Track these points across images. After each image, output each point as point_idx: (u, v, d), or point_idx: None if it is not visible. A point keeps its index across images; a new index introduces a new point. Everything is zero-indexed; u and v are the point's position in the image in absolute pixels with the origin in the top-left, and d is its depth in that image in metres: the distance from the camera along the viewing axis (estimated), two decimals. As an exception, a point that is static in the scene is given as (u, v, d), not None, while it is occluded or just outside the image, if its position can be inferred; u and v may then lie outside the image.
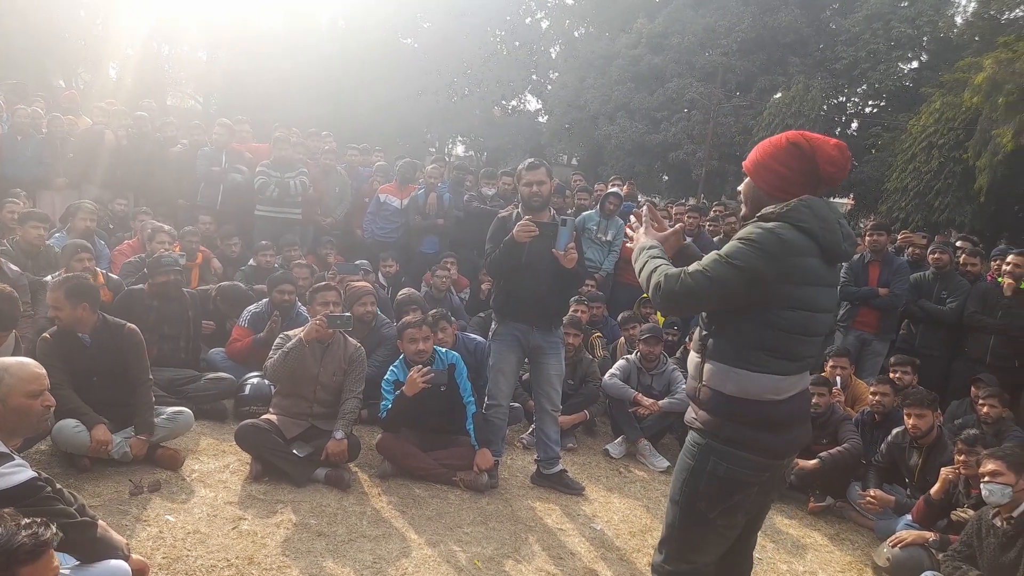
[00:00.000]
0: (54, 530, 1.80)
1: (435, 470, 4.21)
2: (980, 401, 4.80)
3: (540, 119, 30.57)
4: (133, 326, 3.94)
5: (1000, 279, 5.97)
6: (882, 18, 19.57)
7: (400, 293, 5.97)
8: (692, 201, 16.33)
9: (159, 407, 4.08)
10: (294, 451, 3.97)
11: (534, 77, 28.93)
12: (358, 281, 5.75)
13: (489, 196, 7.99)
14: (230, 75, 23.56)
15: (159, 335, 4.77)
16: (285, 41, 23.34)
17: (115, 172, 7.63)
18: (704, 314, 2.23)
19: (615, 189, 7.93)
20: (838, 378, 5.32)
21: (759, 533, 2.52)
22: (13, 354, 3.06)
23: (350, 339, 4.32)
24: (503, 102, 27.64)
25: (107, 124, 8.05)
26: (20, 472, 2.21)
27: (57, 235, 5.97)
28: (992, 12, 16.60)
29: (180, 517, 3.38)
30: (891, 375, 5.24)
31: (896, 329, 6.45)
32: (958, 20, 19.61)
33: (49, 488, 2.31)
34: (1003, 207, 14.66)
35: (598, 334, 6.37)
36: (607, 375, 5.42)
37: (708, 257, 2.09)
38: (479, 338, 5.26)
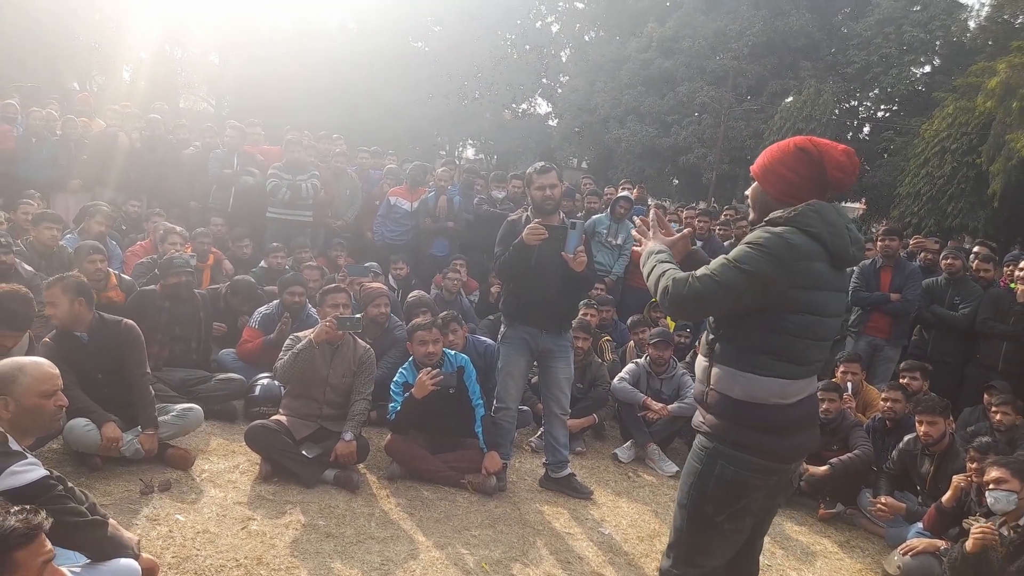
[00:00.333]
0: (44, 515, 1.82)
1: (443, 472, 4.21)
2: (993, 408, 4.76)
3: (550, 122, 30.58)
4: (131, 322, 3.96)
5: (1013, 285, 5.92)
6: (894, 22, 19.48)
7: (410, 295, 5.99)
8: (702, 205, 16.28)
9: (168, 405, 4.11)
10: (303, 452, 3.98)
11: (544, 80, 28.94)
12: (372, 283, 5.77)
13: (499, 199, 8.00)
14: (242, 78, 23.71)
15: (171, 336, 4.80)
16: (296, 44, 23.46)
17: (128, 174, 7.70)
18: (712, 318, 2.23)
19: (625, 193, 7.92)
20: (849, 384, 5.28)
21: (768, 539, 2.51)
22: (27, 354, 3.09)
23: (359, 341, 4.34)
24: (513, 105, 27.71)
25: (121, 127, 8.13)
26: (32, 471, 2.22)
27: (69, 236, 6.02)
28: (1006, 16, 16.49)
29: (190, 517, 3.40)
30: (901, 380, 5.21)
31: (908, 335, 6.41)
32: (971, 24, 19.48)
33: (61, 487, 2.32)
34: (1016, 212, 14.53)
35: (607, 338, 6.36)
36: (616, 379, 5.41)
37: (716, 261, 2.10)
38: (489, 341, 5.27)
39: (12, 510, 1.77)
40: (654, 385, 5.41)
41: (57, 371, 2.44)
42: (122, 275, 5.41)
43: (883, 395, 4.96)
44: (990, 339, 5.83)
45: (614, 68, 23.98)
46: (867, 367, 5.94)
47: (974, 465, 3.84)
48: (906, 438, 4.53)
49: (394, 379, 4.35)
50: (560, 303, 4.14)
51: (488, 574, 3.34)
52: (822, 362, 2.22)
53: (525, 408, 5.06)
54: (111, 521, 2.53)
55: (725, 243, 7.45)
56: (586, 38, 29.70)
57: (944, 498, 3.96)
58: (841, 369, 5.38)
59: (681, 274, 2.12)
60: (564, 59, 30.34)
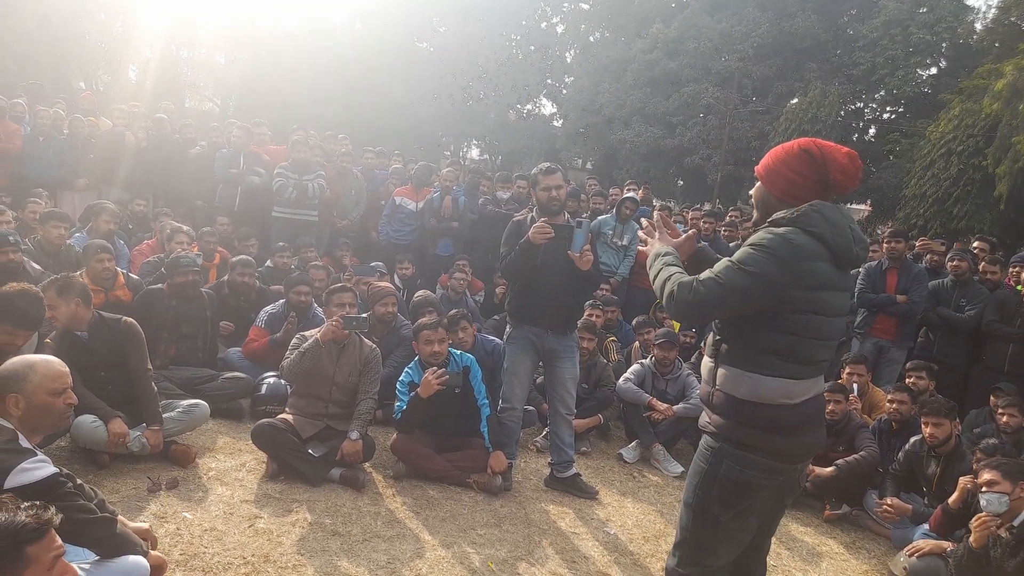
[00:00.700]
0: (54, 511, 1.83)
1: (449, 472, 4.22)
2: (1000, 411, 4.75)
3: (555, 123, 30.59)
4: (131, 319, 3.98)
5: (1020, 287, 5.91)
6: (900, 24, 19.44)
7: (416, 295, 6.00)
8: (707, 206, 16.27)
9: (175, 401, 4.13)
10: (310, 451, 3.99)
11: (549, 81, 28.97)
12: (380, 282, 5.78)
13: (504, 199, 8.01)
14: (247, 78, 23.79)
15: (177, 335, 4.82)
16: (302, 44, 23.53)
17: (135, 173, 7.73)
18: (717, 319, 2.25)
19: (631, 194, 7.92)
20: (855, 385, 5.28)
21: (774, 539, 2.51)
22: (36, 353, 3.10)
23: (365, 340, 4.35)
24: (518, 106, 27.74)
25: (128, 126, 8.16)
26: (43, 468, 2.24)
27: (77, 235, 6.05)
28: (1013, 18, 16.46)
29: (197, 514, 3.41)
30: (907, 380, 5.20)
31: (914, 337, 6.40)
32: (978, 26, 19.43)
33: (70, 484, 2.34)
34: (1023, 214, 14.49)
35: (612, 338, 6.36)
36: (621, 379, 5.41)
37: (720, 264, 2.11)
38: (497, 340, 5.27)
39: (23, 506, 1.78)
40: (659, 386, 5.41)
41: (67, 369, 2.46)
42: (129, 274, 5.43)
43: (889, 397, 4.96)
44: (996, 341, 5.81)
45: (619, 69, 23.98)
46: (873, 369, 5.93)
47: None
48: (912, 440, 4.52)
49: (400, 378, 4.35)
50: (566, 303, 4.15)
51: (494, 573, 3.34)
52: (828, 362, 2.22)
53: (530, 408, 5.06)
54: (120, 518, 2.55)
55: (731, 244, 7.44)
56: (591, 39, 29.70)
57: (950, 500, 3.95)
58: (847, 371, 5.38)
59: (686, 278, 2.13)
60: (569, 60, 30.35)
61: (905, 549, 3.91)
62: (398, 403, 4.25)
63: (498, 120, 28.62)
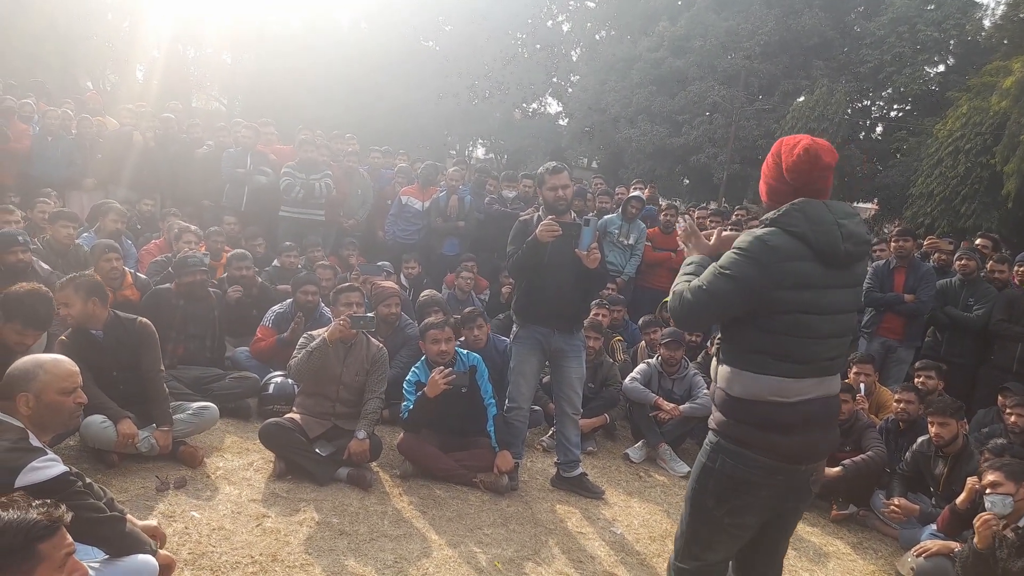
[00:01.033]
0: (64, 509, 1.85)
1: (455, 471, 4.23)
2: (1008, 410, 4.73)
3: (561, 122, 30.55)
4: (146, 320, 4.01)
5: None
6: (908, 21, 19.33)
7: (422, 294, 6.01)
8: (713, 205, 16.24)
9: (184, 403, 4.15)
10: (317, 450, 4.01)
11: (555, 80, 28.89)
12: (384, 282, 5.79)
13: (510, 199, 8.01)
14: (254, 77, 23.84)
15: (185, 334, 4.84)
16: (308, 43, 23.55)
17: (142, 173, 7.76)
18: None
19: (637, 193, 7.92)
20: (862, 385, 5.26)
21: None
22: (45, 352, 3.12)
23: (372, 340, 4.36)
24: (524, 105, 27.69)
25: (135, 126, 8.19)
26: (53, 466, 2.25)
27: (85, 235, 6.07)
28: (1022, 15, 16.33)
29: (205, 513, 3.43)
30: (916, 379, 5.18)
31: (921, 336, 6.37)
32: (986, 23, 19.31)
33: (80, 483, 2.35)
34: (1032, 213, 14.40)
35: (619, 338, 6.35)
36: (628, 379, 5.41)
37: (708, 270, 2.18)
38: (507, 339, 5.27)
39: (35, 504, 1.80)
40: (666, 385, 5.40)
41: (76, 369, 2.47)
42: (137, 274, 5.45)
43: (896, 396, 4.94)
44: (1005, 340, 5.79)
45: (625, 67, 23.92)
46: (880, 368, 5.91)
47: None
48: (920, 439, 4.50)
49: (407, 378, 4.37)
50: (572, 301, 4.15)
51: (501, 573, 3.35)
52: (833, 360, 2.20)
53: (537, 408, 5.06)
54: (129, 517, 2.56)
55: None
56: (597, 37, 29.64)
57: (958, 500, 3.93)
58: (854, 370, 5.36)
59: (679, 287, 2.22)
60: (575, 58, 30.30)
61: (912, 549, 3.90)
62: (405, 402, 4.27)
63: (504, 119, 28.60)
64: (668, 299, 2.26)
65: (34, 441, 2.31)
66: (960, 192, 14.69)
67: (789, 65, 21.60)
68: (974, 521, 3.48)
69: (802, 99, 20.24)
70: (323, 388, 4.16)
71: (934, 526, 4.04)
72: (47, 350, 3.55)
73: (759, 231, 2.13)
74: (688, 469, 4.96)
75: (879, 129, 22.64)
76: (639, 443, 5.30)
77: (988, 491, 3.43)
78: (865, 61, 20.19)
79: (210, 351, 5.00)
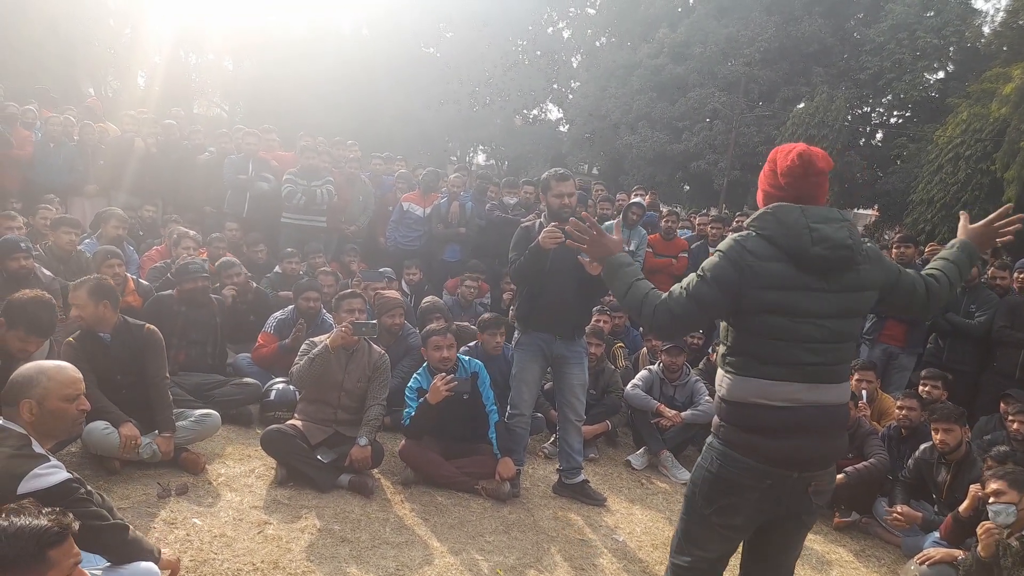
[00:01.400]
0: (72, 516, 1.85)
1: (457, 478, 4.22)
2: (1010, 417, 4.72)
3: (561, 128, 30.65)
4: (153, 327, 4.01)
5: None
6: (907, 28, 19.41)
7: (424, 301, 6.01)
8: (714, 211, 16.25)
9: (186, 410, 4.14)
10: (319, 457, 4.00)
11: (555, 86, 29.02)
12: (387, 291, 5.79)
13: (511, 205, 8.02)
14: (255, 83, 23.92)
15: (187, 340, 4.84)
16: (309, 49, 23.64)
17: (144, 179, 7.77)
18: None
19: (638, 199, 7.93)
20: (864, 392, 5.25)
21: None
22: (48, 359, 3.12)
23: (374, 346, 4.36)
24: (524, 111, 27.78)
25: (137, 132, 8.20)
26: (56, 473, 2.25)
27: (87, 241, 6.08)
28: (1021, 22, 16.39)
29: (207, 520, 3.42)
30: (921, 388, 5.18)
31: (923, 343, 6.37)
32: (986, 30, 19.39)
33: (83, 489, 2.35)
34: (1033, 219, 14.41)
35: (620, 344, 6.36)
36: (629, 385, 5.41)
37: (687, 278, 2.23)
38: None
39: (44, 511, 1.80)
40: (667, 392, 5.40)
41: (80, 375, 2.47)
42: (140, 280, 5.46)
43: (898, 403, 4.94)
44: (1006, 347, 5.78)
45: (625, 74, 24.01)
46: (882, 375, 5.90)
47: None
48: (922, 447, 4.50)
49: (408, 384, 4.36)
50: (574, 308, 4.15)
51: (503, 580, 3.34)
52: (821, 366, 2.14)
53: (538, 415, 5.06)
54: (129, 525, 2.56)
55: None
56: (597, 44, 29.75)
57: (961, 507, 3.92)
58: (856, 377, 5.34)
59: (657, 297, 2.23)
60: (575, 65, 30.42)
61: (915, 557, 3.89)
62: (407, 409, 4.26)
63: (504, 126, 28.71)
64: (645, 310, 2.22)
65: (37, 448, 2.30)
66: (961, 198, 14.73)
67: (789, 72, 21.68)
68: (977, 529, 3.48)
69: (802, 105, 20.31)
70: (325, 395, 4.15)
71: (937, 534, 4.02)
72: (50, 355, 3.55)
73: (735, 234, 2.22)
74: (690, 476, 4.95)
75: (879, 135, 22.71)
76: (641, 450, 5.29)
77: (991, 500, 3.42)
78: (865, 68, 20.26)
79: (212, 357, 5.00)
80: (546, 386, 5.11)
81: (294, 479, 3.95)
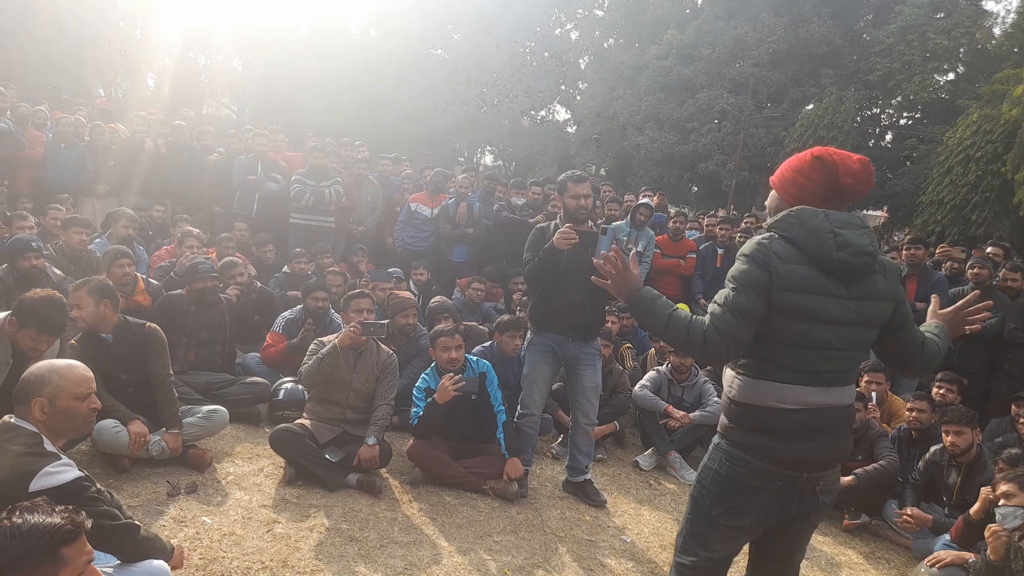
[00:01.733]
0: (85, 515, 1.86)
1: (465, 478, 4.22)
2: (1021, 420, 4.70)
3: (569, 129, 30.64)
4: (154, 325, 4.02)
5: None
6: (917, 29, 19.32)
7: (432, 301, 6.01)
8: (722, 212, 16.23)
9: (194, 407, 4.16)
10: (327, 456, 4.01)
11: (563, 87, 28.99)
12: (402, 292, 5.80)
13: (519, 206, 8.02)
14: (264, 84, 24.01)
15: (196, 340, 4.86)
16: (317, 51, 23.74)
17: (154, 180, 7.81)
18: None
19: (646, 200, 7.91)
20: (874, 394, 5.24)
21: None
22: (58, 357, 3.14)
23: (383, 346, 4.36)
24: (532, 112, 27.75)
25: (147, 133, 8.25)
26: (67, 471, 2.26)
27: (98, 241, 6.11)
28: (1032, 23, 16.31)
29: (216, 519, 3.43)
30: (936, 390, 5.14)
31: (933, 345, 6.32)
32: (996, 31, 19.30)
33: (94, 488, 2.36)
34: (1042, 221, 14.34)
35: (628, 345, 6.35)
36: (637, 386, 5.40)
37: (719, 294, 2.13)
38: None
39: (56, 508, 1.81)
40: (675, 392, 5.39)
41: (91, 374, 2.48)
42: (149, 279, 5.48)
43: (908, 405, 4.91)
44: (1018, 350, 5.75)
45: (633, 75, 23.99)
46: (891, 377, 5.87)
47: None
48: (932, 449, 4.47)
49: (416, 384, 4.37)
50: (588, 310, 4.13)
51: (511, 580, 3.34)
52: (837, 372, 2.16)
53: (546, 415, 5.06)
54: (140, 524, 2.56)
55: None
56: (605, 45, 29.74)
57: (972, 510, 3.90)
58: (865, 379, 5.33)
59: (701, 323, 2.10)
60: (583, 66, 30.40)
61: (926, 560, 3.86)
62: (415, 409, 4.26)
63: (512, 127, 28.70)
64: (694, 341, 2.08)
65: (48, 446, 2.31)
66: (971, 200, 14.66)
67: (798, 73, 21.61)
68: (985, 532, 3.45)
69: (811, 107, 20.24)
70: (333, 394, 4.16)
71: (947, 536, 4.00)
72: (60, 355, 3.57)
73: (758, 236, 2.16)
74: (698, 477, 4.94)
75: (888, 137, 22.61)
76: (649, 451, 5.28)
77: (1001, 503, 3.40)
78: (874, 69, 20.18)
79: (221, 357, 5.02)
80: (554, 387, 5.11)
81: (303, 478, 3.96)
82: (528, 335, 4.36)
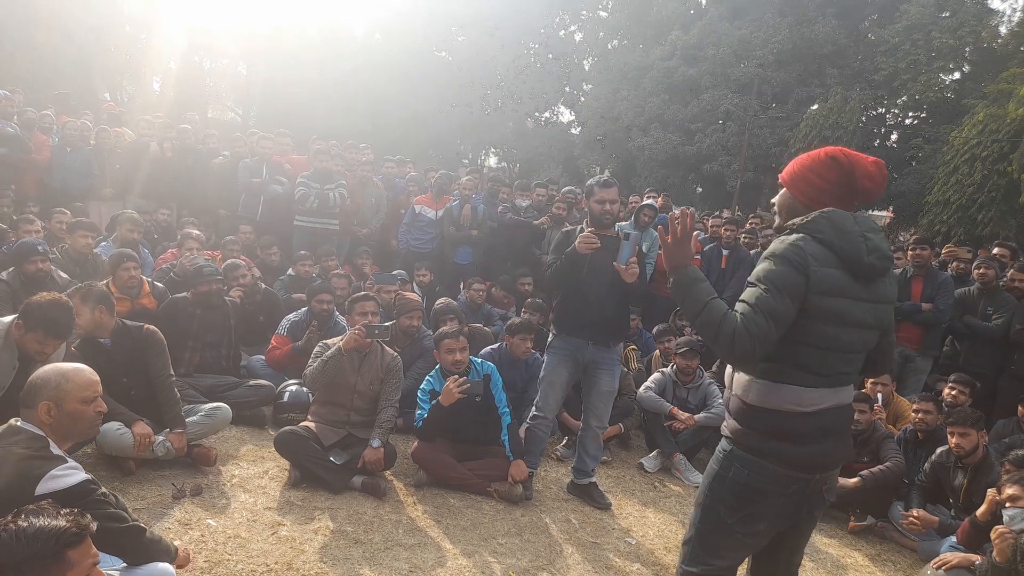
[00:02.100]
0: (90, 518, 1.87)
1: (470, 480, 4.22)
2: (1028, 421, 4.67)
3: (573, 131, 30.65)
4: (152, 327, 4.04)
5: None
6: (922, 28, 19.26)
7: (437, 303, 6.02)
8: (727, 213, 16.20)
9: (196, 405, 4.17)
10: (331, 458, 4.01)
11: (567, 89, 28.98)
12: (409, 293, 5.81)
13: (523, 208, 8.02)
14: (268, 87, 24.08)
15: (202, 342, 4.87)
16: (322, 54, 23.79)
17: (159, 183, 7.84)
18: None
19: (650, 201, 7.91)
20: (879, 395, 5.22)
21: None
22: (62, 361, 3.15)
23: (387, 348, 4.37)
24: (536, 114, 27.77)
25: (152, 136, 8.28)
26: (73, 474, 2.27)
27: (103, 244, 6.14)
28: (1038, 22, 16.24)
29: (221, 521, 3.44)
30: (947, 391, 5.11)
31: (939, 346, 6.31)
32: (1002, 30, 19.22)
33: (100, 491, 2.37)
34: (1050, 221, 14.28)
35: (633, 347, 6.34)
36: (642, 388, 5.39)
37: (748, 293, 2.06)
38: (536, 353, 5.28)
39: (62, 511, 1.82)
40: (680, 394, 5.38)
41: (97, 378, 2.49)
42: (155, 282, 5.50)
43: (914, 406, 4.89)
44: (1024, 350, 5.72)
45: (637, 76, 23.97)
46: (897, 378, 5.85)
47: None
48: (939, 450, 4.46)
49: (421, 386, 4.37)
50: (609, 315, 4.11)
51: (515, 583, 3.34)
52: (850, 375, 2.18)
53: (551, 418, 5.05)
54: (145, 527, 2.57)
55: (751, 252, 7.40)
56: (609, 46, 29.73)
57: (979, 511, 3.88)
58: (871, 380, 5.31)
59: (734, 320, 2.02)
60: (587, 67, 30.40)
61: (932, 562, 3.84)
62: (419, 411, 4.27)
63: (516, 128, 28.74)
64: (727, 337, 2.01)
65: (55, 449, 2.32)
66: (977, 200, 14.60)
67: (803, 73, 21.56)
68: (991, 533, 3.44)
69: (816, 107, 20.19)
70: (338, 397, 4.17)
71: (954, 538, 3.98)
72: (66, 358, 3.59)
73: (790, 237, 2.08)
74: (703, 479, 4.93)
75: (894, 137, 22.55)
76: (654, 453, 5.28)
77: (1007, 504, 3.39)
78: (879, 69, 20.12)
79: (226, 359, 5.03)
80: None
81: (307, 480, 3.96)
82: (549, 337, 4.35)
